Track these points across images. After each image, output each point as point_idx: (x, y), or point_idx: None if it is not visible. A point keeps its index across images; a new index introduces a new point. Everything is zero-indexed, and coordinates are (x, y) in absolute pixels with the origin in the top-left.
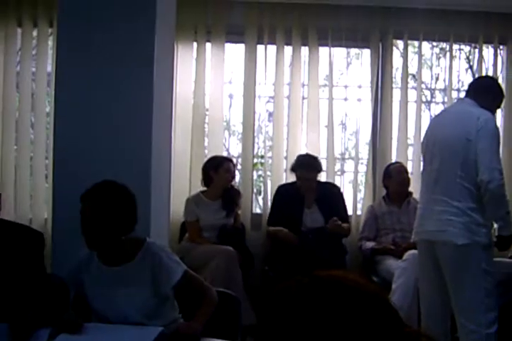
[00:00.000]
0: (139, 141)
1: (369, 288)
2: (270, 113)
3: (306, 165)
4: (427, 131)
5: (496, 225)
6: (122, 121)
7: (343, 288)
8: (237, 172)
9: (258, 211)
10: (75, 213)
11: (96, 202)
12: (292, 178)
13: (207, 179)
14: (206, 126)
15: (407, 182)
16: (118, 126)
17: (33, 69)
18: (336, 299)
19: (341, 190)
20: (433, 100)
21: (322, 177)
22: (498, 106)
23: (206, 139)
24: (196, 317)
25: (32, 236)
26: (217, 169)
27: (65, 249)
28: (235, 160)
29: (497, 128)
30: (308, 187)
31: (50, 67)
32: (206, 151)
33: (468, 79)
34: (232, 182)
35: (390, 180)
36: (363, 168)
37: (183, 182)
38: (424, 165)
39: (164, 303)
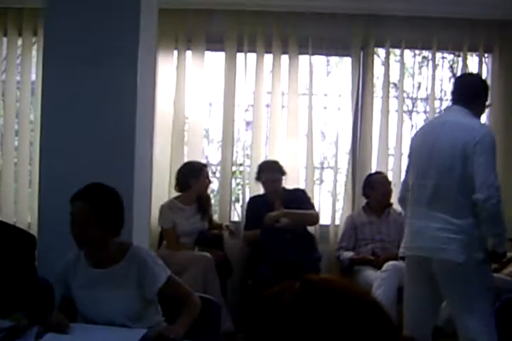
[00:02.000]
0: (123, 148)
1: (362, 295)
2: (249, 121)
3: (269, 168)
4: (414, 142)
5: (490, 240)
6: (107, 128)
7: (337, 295)
8: (215, 180)
9: (236, 219)
10: (60, 217)
11: (87, 203)
12: None
13: (184, 185)
14: (186, 133)
15: (389, 193)
16: (102, 133)
17: (18, 78)
18: (329, 305)
19: (305, 191)
20: (415, 109)
21: (300, 185)
22: (487, 106)
23: (185, 147)
24: (179, 321)
25: (25, 239)
26: (198, 176)
27: (50, 252)
28: (213, 168)
29: (494, 142)
30: (275, 190)
31: (34, 75)
32: (185, 159)
33: (451, 88)
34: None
35: (372, 190)
36: (342, 178)
37: (162, 189)
38: (413, 178)
39: (148, 307)
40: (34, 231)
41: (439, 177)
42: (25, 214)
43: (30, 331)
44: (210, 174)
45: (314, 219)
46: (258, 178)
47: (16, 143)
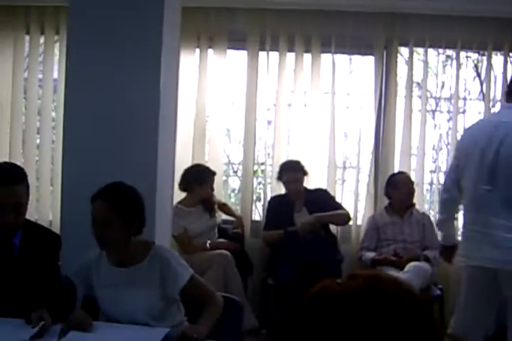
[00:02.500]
0: (146, 146)
1: (410, 298)
2: (271, 120)
3: (291, 167)
4: (463, 142)
5: None
6: (130, 126)
7: (385, 297)
8: (237, 179)
9: (257, 218)
10: (82, 215)
11: (107, 202)
12: None
13: (187, 188)
14: (207, 132)
15: (412, 193)
16: (125, 131)
17: (40, 76)
18: (375, 307)
19: (328, 191)
20: (438, 109)
21: (322, 185)
22: None
23: (207, 146)
24: (202, 320)
25: (50, 238)
26: (202, 184)
27: (72, 250)
28: (235, 167)
29: None
30: (296, 190)
31: (56, 73)
32: (207, 158)
33: (475, 87)
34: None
35: (395, 190)
36: (364, 178)
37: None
38: (471, 182)
39: (170, 306)
40: (56, 229)
41: (509, 182)
42: (47, 212)
43: (53, 329)
44: (232, 173)
45: (346, 218)
46: (279, 178)
47: (38, 141)
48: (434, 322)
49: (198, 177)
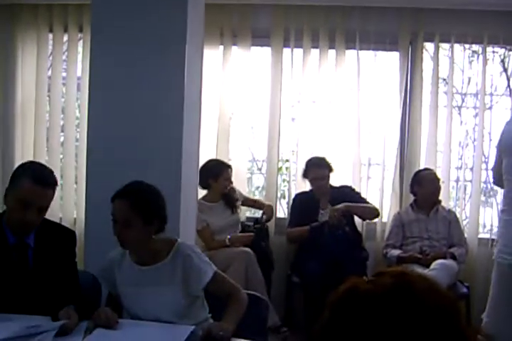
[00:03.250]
0: (170, 144)
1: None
2: (296, 117)
3: (317, 164)
4: (504, 136)
5: None
6: (154, 124)
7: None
8: (261, 177)
9: (282, 215)
10: (106, 213)
11: (127, 202)
12: None
13: (204, 184)
14: (231, 130)
15: (438, 190)
16: (150, 129)
17: (63, 74)
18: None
19: (352, 187)
20: (464, 105)
21: (347, 182)
22: None
23: (231, 143)
24: (227, 317)
25: (66, 235)
26: (217, 178)
27: (97, 248)
28: (259, 164)
29: None
30: (323, 187)
31: (79, 71)
32: (231, 155)
33: (502, 83)
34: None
35: (421, 187)
36: (389, 174)
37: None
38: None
39: (194, 303)
40: (80, 227)
41: None
42: (71, 210)
43: (79, 326)
44: (256, 170)
45: (375, 212)
46: (305, 175)
47: (62, 139)
48: (462, 319)
49: (212, 172)
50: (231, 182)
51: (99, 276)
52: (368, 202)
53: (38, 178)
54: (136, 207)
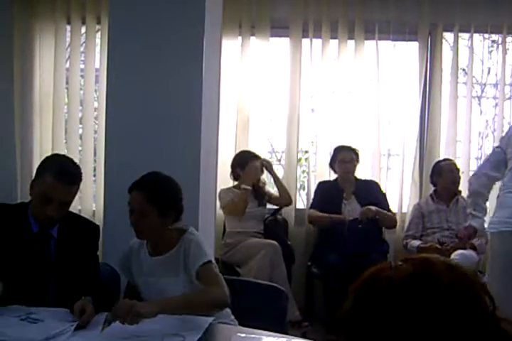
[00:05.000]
0: (189, 135)
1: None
2: (315, 108)
3: (346, 148)
4: None
5: None
6: (172, 116)
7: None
8: (280, 168)
9: (301, 206)
10: (125, 205)
11: (143, 192)
12: (335, 175)
13: (234, 175)
14: (250, 121)
15: (458, 180)
16: (168, 121)
17: (82, 66)
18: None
19: (379, 184)
20: (484, 95)
21: (367, 172)
22: None
23: (250, 134)
24: (171, 298)
25: (90, 228)
26: (243, 167)
27: (115, 240)
28: (279, 155)
29: None
30: (348, 172)
31: (97, 63)
32: (250, 146)
33: None
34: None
35: (440, 177)
36: (409, 165)
37: (227, 177)
38: None
39: None
40: (99, 218)
41: None
42: (90, 202)
43: (98, 318)
44: (275, 161)
45: (395, 222)
46: (332, 161)
47: (81, 131)
48: (486, 302)
49: (240, 162)
50: (259, 175)
51: (118, 266)
52: (389, 207)
53: (62, 175)
54: (152, 199)
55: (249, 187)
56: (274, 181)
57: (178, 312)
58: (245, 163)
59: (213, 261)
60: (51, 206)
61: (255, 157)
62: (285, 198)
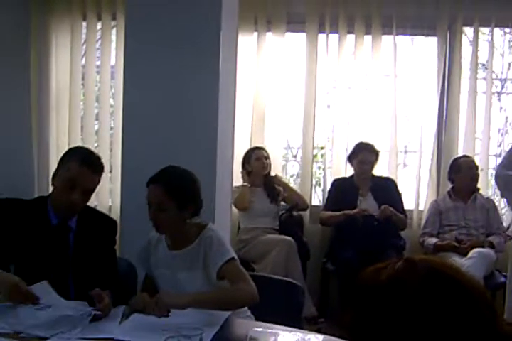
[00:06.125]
0: (206, 131)
1: (465, 279)
2: (331, 104)
3: (368, 148)
4: None
5: None
6: (189, 112)
7: (436, 275)
8: (296, 164)
9: (317, 203)
10: (142, 200)
11: (162, 186)
12: (351, 171)
13: (246, 170)
14: (266, 116)
15: (476, 177)
16: (185, 117)
17: (97, 62)
18: (427, 286)
19: (396, 183)
20: (504, 91)
21: (383, 169)
22: None
23: (266, 130)
24: (201, 293)
25: (107, 223)
26: (249, 159)
27: (132, 235)
28: (294, 151)
29: None
30: (366, 172)
31: (113, 59)
32: (266, 142)
33: None
34: (267, 170)
35: (458, 174)
36: (426, 162)
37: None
38: None
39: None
40: (116, 215)
41: None
42: (106, 198)
43: (116, 311)
44: (291, 157)
45: (404, 225)
46: (351, 157)
47: (96, 127)
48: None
49: (245, 157)
50: (265, 163)
51: (136, 260)
52: (403, 208)
53: (86, 161)
54: (171, 193)
55: (247, 184)
56: (288, 191)
57: (207, 308)
58: (250, 155)
59: (236, 257)
60: (76, 191)
61: (256, 148)
62: (302, 204)
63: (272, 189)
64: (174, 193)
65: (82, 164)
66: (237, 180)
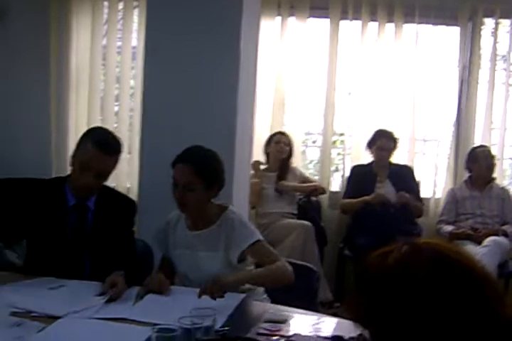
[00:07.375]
0: (226, 114)
1: (470, 263)
2: (352, 91)
3: (387, 135)
4: None
5: None
6: (209, 95)
7: (442, 259)
8: (316, 149)
9: (336, 189)
10: (160, 181)
11: (190, 165)
12: (369, 158)
13: (265, 154)
14: (287, 102)
15: (493, 167)
16: (205, 100)
17: (119, 43)
18: (432, 269)
19: (414, 171)
20: None
21: (402, 157)
22: None
23: (286, 115)
24: (245, 272)
25: (126, 204)
26: (269, 143)
27: (150, 216)
28: (314, 137)
29: None
30: (384, 159)
31: (135, 40)
32: (286, 128)
33: None
34: (283, 155)
35: (475, 164)
36: (444, 151)
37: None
38: None
39: (237, 269)
40: (133, 195)
41: None
42: (124, 179)
43: (130, 292)
44: (311, 143)
45: (420, 212)
46: (370, 144)
47: (116, 108)
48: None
49: (267, 141)
50: (284, 148)
51: (154, 240)
52: (420, 196)
53: (100, 143)
54: (200, 172)
55: (257, 180)
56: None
57: (259, 285)
58: (270, 139)
59: (262, 238)
60: (86, 174)
61: (278, 133)
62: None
63: (283, 174)
64: (203, 173)
65: (95, 146)
66: None
